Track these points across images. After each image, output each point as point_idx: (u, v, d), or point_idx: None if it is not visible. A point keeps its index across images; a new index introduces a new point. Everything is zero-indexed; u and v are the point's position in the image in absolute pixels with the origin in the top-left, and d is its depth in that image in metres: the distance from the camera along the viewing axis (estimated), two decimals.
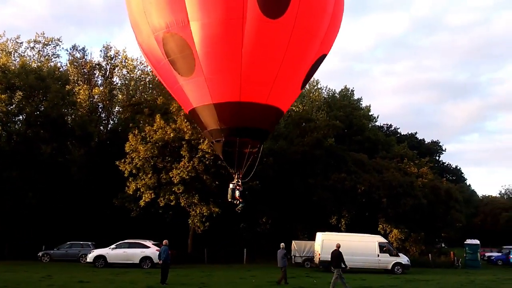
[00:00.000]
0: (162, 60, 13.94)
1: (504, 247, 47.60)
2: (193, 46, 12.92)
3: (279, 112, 15.07)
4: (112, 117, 44.88)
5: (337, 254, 19.05)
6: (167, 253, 19.38)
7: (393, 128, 62.38)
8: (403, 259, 29.91)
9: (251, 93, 13.64)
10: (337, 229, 37.00)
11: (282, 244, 22.18)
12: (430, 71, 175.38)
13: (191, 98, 14.25)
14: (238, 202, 14.90)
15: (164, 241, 20.07)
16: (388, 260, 29.23)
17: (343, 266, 18.74)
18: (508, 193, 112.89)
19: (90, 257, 27.60)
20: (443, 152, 67.82)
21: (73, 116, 38.68)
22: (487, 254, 46.21)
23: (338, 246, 19.72)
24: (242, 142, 14.29)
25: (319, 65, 15.27)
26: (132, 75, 44.91)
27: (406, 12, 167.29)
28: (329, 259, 28.29)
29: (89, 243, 31.89)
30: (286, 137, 41.39)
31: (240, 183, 14.75)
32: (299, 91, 15.83)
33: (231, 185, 14.87)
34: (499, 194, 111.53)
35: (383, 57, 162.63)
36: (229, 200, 14.99)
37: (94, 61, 43.69)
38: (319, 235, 29.79)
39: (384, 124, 61.52)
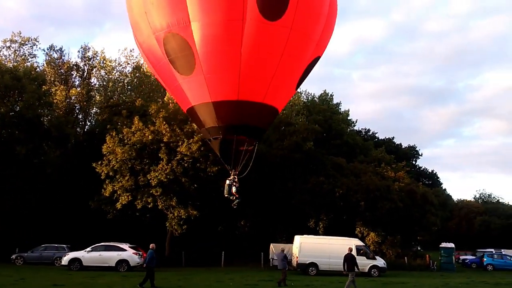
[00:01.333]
0: (162, 60, 14.19)
1: (478, 250, 48.57)
2: (193, 45, 13.23)
3: (275, 111, 15.51)
4: (90, 118, 44.35)
5: (350, 258, 19.40)
6: (151, 256, 19.46)
7: (371, 133, 63.13)
8: (380, 262, 30.23)
9: (249, 92, 14.00)
10: (315, 232, 37.26)
11: (282, 248, 23.62)
12: (408, 77, 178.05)
13: (190, 97, 14.53)
14: (234, 197, 15.18)
15: (151, 245, 20.08)
16: (364, 263, 29.42)
17: (356, 270, 19.27)
18: (483, 197, 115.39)
19: (65, 260, 27.09)
20: (419, 156, 68.87)
21: (49, 117, 38.05)
22: (462, 257, 47.03)
23: (350, 250, 20.26)
24: (238, 140, 14.61)
25: (313, 67, 15.71)
26: (110, 76, 44.45)
27: (385, 18, 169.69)
28: (307, 262, 28.78)
29: (64, 245, 31.31)
30: (265, 140, 41.39)
31: (236, 180, 15.04)
32: (294, 92, 16.37)
33: (227, 181, 15.17)
34: (474, 198, 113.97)
35: (362, 62, 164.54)
36: (226, 195, 15.31)
37: (72, 61, 43.14)
38: (297, 238, 29.92)
39: (362, 129, 62.25)
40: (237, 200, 15.28)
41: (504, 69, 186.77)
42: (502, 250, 48.80)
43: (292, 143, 38.87)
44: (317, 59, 15.52)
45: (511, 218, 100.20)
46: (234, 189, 15.08)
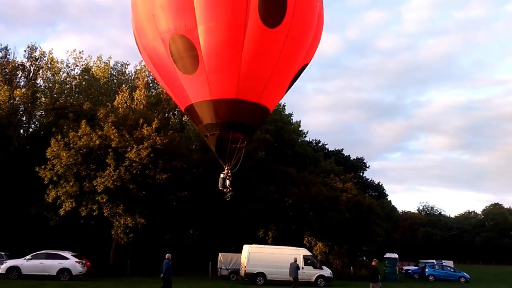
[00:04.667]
0: (165, 60, 15.15)
1: (421, 261, 50.17)
2: (198, 47, 14.28)
3: (267, 111, 16.92)
4: (34, 120, 42.56)
5: (373, 269, 20.81)
6: (167, 266, 19.57)
7: (321, 144, 64.15)
8: (326, 271, 30.61)
9: (246, 91, 15.13)
10: (264, 242, 37.30)
11: (295, 258, 25.25)
12: (359, 92, 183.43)
13: (191, 95, 15.59)
14: (228, 190, 16.26)
15: (167, 255, 20.06)
16: (311, 273, 29.75)
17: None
18: (426, 209, 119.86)
19: (2, 268, 25.67)
20: (367, 168, 70.54)
21: None
22: (405, 267, 48.43)
23: (376, 262, 21.44)
24: (233, 136, 15.78)
25: (301, 73, 17.00)
26: (57, 78, 42.93)
27: (340, 34, 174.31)
28: (255, 272, 28.70)
29: (2, 253, 29.68)
30: None
31: (230, 174, 16.14)
32: (284, 94, 17.40)
33: (222, 175, 16.22)
34: (418, 210, 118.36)
35: (316, 75, 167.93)
36: (220, 188, 16.38)
37: (17, 61, 41.36)
38: (246, 248, 29.82)
39: (313, 140, 63.15)
40: (230, 193, 16.35)
41: (449, 87, 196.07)
42: (443, 261, 50.75)
43: (244, 152, 38.82)
44: (305, 66, 16.83)
45: (452, 230, 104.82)
46: (228, 182, 16.15)
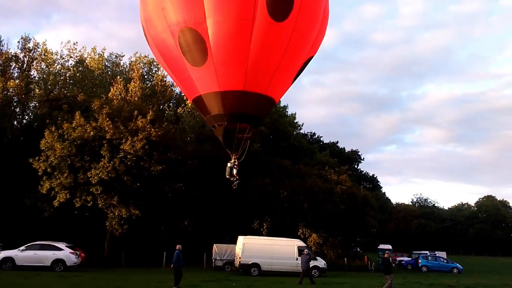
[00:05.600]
0: (174, 52, 15.40)
1: (414, 252, 50.58)
2: (207, 40, 14.57)
3: (273, 103, 17.24)
4: (28, 112, 42.27)
5: (386, 261, 21.07)
6: (179, 257, 19.97)
7: (316, 136, 64.34)
8: (320, 262, 30.81)
9: (254, 83, 15.47)
10: (259, 233, 37.44)
11: (305, 251, 25.94)
12: (356, 85, 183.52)
13: (199, 86, 15.88)
14: (235, 179, 16.54)
15: (178, 246, 20.53)
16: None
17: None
18: (420, 201, 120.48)
19: None
20: (361, 161, 70.94)
21: None
22: (398, 258, 48.80)
23: (388, 254, 22.04)
24: (240, 127, 16.13)
25: (307, 65, 17.40)
26: (51, 69, 42.64)
27: (337, 27, 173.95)
28: (249, 263, 28.85)
29: None
30: (211, 140, 41.17)
31: (236, 163, 16.50)
32: (290, 85, 17.70)
33: (229, 164, 16.59)
34: (411, 202, 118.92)
35: (313, 68, 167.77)
36: (227, 177, 16.67)
37: (11, 52, 41.03)
38: (241, 239, 29.94)
39: (308, 132, 63.33)
40: (237, 181, 16.62)
41: (444, 80, 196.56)
42: (436, 252, 51.15)
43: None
44: (310, 59, 17.23)
45: (445, 221, 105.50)
46: (234, 171, 16.49)
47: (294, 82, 17.73)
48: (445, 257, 46.93)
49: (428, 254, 46.87)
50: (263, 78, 15.59)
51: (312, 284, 23.53)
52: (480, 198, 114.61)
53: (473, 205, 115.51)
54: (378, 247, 40.44)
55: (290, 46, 15.19)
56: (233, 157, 16.57)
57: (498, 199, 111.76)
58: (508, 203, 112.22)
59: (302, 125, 56.76)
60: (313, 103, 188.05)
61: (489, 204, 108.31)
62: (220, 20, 14.30)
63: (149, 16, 15.86)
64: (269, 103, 16.90)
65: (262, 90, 15.85)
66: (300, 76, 17.76)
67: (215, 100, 15.85)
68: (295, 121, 54.52)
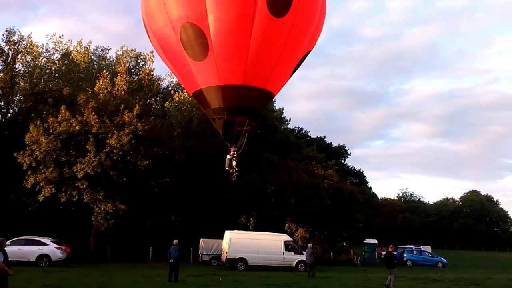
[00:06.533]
0: (175, 46, 15.72)
1: (399, 246, 51.08)
2: (208, 35, 14.90)
3: (272, 96, 17.75)
4: (12, 105, 41.72)
5: (390, 256, 20.94)
6: (178, 252, 20.32)
7: (303, 131, 64.48)
8: None
9: (253, 78, 15.87)
10: (246, 228, 37.51)
11: (310, 245, 27.47)
12: (343, 80, 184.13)
13: (200, 80, 16.24)
14: (234, 170, 16.94)
15: (175, 241, 20.84)
16: (292, 258, 30.14)
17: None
18: (405, 196, 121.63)
19: None
20: (348, 156, 71.24)
21: None
22: (384, 252, 49.16)
23: (392, 248, 21.79)
24: (239, 120, 16.53)
25: (304, 60, 17.80)
26: (36, 63, 42.09)
27: (325, 22, 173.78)
28: (236, 257, 28.91)
29: None
30: (199, 135, 41.11)
31: (235, 155, 16.88)
32: (288, 79, 18.13)
33: (228, 156, 16.93)
34: (397, 197, 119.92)
35: (302, 63, 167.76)
36: (226, 168, 17.07)
37: None
38: (227, 233, 29.99)
39: (295, 127, 63.43)
40: (236, 173, 17.06)
41: (431, 76, 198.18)
42: (421, 246, 51.73)
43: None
44: (308, 53, 17.61)
45: (430, 216, 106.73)
46: (234, 163, 16.85)
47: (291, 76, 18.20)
48: (430, 251, 47.49)
49: (413, 248, 47.38)
50: (263, 72, 15.98)
51: (311, 277, 24.67)
52: (465, 193, 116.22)
53: (458, 200, 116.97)
54: (364, 241, 40.73)
55: (289, 41, 15.57)
56: (232, 149, 16.93)
57: (483, 194, 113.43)
58: (493, 198, 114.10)
59: (290, 120, 56.88)
60: (301, 98, 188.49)
61: (473, 199, 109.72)
62: (221, 16, 14.66)
63: (150, 11, 16.15)
64: (268, 96, 17.36)
65: (261, 84, 16.28)
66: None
67: (216, 94, 16.22)
68: (282, 116, 54.59)
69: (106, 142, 29.25)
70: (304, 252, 31.10)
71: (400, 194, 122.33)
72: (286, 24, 15.12)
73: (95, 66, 45.72)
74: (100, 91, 37.23)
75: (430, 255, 44.52)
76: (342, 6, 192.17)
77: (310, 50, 17.77)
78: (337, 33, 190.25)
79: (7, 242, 25.54)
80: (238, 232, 30.78)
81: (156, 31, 16.27)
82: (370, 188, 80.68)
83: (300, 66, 17.86)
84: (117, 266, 28.22)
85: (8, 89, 39.18)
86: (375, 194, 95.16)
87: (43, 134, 29.25)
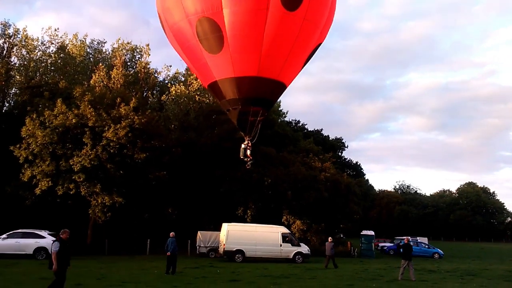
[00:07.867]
0: (192, 40, 16.17)
1: (396, 238, 51.28)
2: (224, 28, 15.36)
3: (284, 87, 18.06)
4: (8, 99, 41.57)
5: (407, 247, 21.62)
6: (174, 244, 20.67)
7: (300, 124, 64.52)
8: (304, 248, 31.10)
9: (267, 69, 16.31)
10: (243, 220, 37.59)
11: (330, 238, 27.93)
12: (340, 73, 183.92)
13: (215, 72, 16.67)
14: (248, 159, 17.40)
15: (171, 233, 21.26)
16: (289, 250, 30.26)
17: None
18: (402, 188, 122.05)
19: None
20: (345, 148, 71.42)
21: None
22: (381, 244, 49.44)
23: (408, 240, 22.43)
24: (253, 110, 16.96)
25: (315, 52, 18.20)
26: (32, 56, 41.89)
27: None
28: (233, 249, 29.01)
29: None
30: (196, 128, 41.08)
31: (250, 144, 17.43)
32: (300, 70, 18.52)
33: (243, 145, 17.48)
34: (394, 189, 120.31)
35: None
36: (241, 157, 17.57)
37: None
38: (225, 226, 30.06)
39: (292, 120, 63.47)
40: (251, 161, 17.52)
41: (428, 69, 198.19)
42: (418, 238, 51.96)
43: (223, 131, 38.78)
44: (319, 45, 18.01)
45: (426, 208, 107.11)
46: (248, 152, 17.35)
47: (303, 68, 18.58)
48: (427, 243, 47.72)
49: (410, 239, 47.53)
50: (276, 64, 16.43)
51: (335, 268, 25.97)
52: (461, 185, 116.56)
53: (454, 191, 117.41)
54: (361, 233, 40.91)
55: (301, 34, 15.99)
56: (247, 139, 17.43)
57: (479, 186, 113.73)
58: (489, 189, 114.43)
59: (287, 113, 56.96)
60: (298, 91, 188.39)
61: (470, 190, 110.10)
62: (236, 10, 15.12)
63: (167, 6, 16.60)
64: (280, 87, 17.80)
65: (274, 75, 16.73)
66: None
67: (230, 86, 16.71)
68: (279, 109, 54.62)
69: (103, 135, 29.17)
70: (304, 245, 31.36)
71: (397, 186, 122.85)
72: (299, 18, 15.55)
73: (91, 59, 45.55)
74: (96, 84, 37.11)
75: (426, 246, 44.76)
76: (339, 0, 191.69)
77: (321, 43, 18.18)
78: (334, 26, 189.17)
79: (4, 235, 25.74)
80: (236, 225, 30.86)
81: (172, 25, 16.70)
82: (367, 180, 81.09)
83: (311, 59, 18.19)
84: (115, 259, 28.28)
85: (3, 83, 39.02)
86: (372, 187, 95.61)
87: (39, 128, 29.15)
